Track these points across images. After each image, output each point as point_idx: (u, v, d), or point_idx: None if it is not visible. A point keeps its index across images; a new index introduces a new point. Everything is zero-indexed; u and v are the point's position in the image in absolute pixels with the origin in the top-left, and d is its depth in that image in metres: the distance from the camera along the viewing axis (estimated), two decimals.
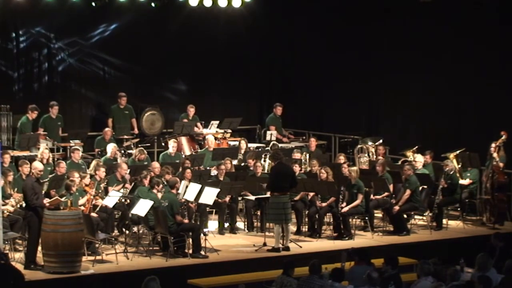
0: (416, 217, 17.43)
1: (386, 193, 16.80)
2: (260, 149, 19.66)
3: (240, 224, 17.17)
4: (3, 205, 14.10)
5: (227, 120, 21.06)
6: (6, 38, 20.52)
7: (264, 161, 18.34)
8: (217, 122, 20.97)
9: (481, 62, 18.82)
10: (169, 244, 14.89)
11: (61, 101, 20.37)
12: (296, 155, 18.40)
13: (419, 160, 17.44)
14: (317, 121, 22.77)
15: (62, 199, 14.30)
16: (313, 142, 19.80)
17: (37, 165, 14.41)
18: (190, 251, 14.93)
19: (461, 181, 17.47)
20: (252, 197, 16.70)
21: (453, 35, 19.38)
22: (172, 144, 18.57)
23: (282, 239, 15.37)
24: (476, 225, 17.51)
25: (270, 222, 15.91)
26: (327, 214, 16.63)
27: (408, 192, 16.53)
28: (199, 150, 19.69)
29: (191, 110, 20.92)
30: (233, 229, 16.78)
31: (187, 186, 15.85)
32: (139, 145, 19.35)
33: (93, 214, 14.98)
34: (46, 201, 14.14)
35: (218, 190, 15.93)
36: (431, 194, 17.13)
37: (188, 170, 16.47)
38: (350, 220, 16.47)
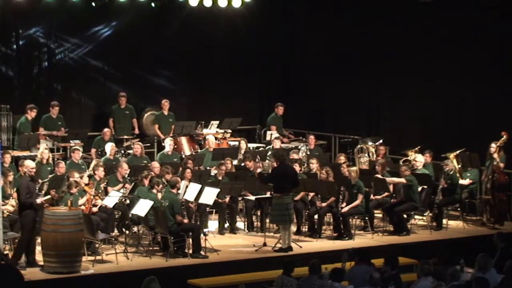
0: (416, 217, 17.43)
1: (386, 193, 16.83)
2: (258, 149, 19.66)
3: (240, 224, 17.17)
4: (3, 205, 14.09)
5: (227, 120, 21.06)
6: (6, 38, 20.50)
7: (264, 160, 18.36)
8: (217, 122, 20.96)
9: (481, 62, 18.81)
10: (169, 244, 14.89)
11: (61, 101, 20.34)
12: (294, 155, 18.39)
13: (419, 160, 17.43)
14: (317, 121, 22.75)
15: (62, 195, 14.33)
16: (312, 140, 19.77)
17: (29, 163, 14.47)
18: (190, 251, 14.92)
19: (461, 181, 17.46)
20: (252, 197, 16.69)
21: (453, 36, 19.37)
22: (168, 143, 18.53)
23: (284, 239, 15.36)
24: (476, 225, 17.51)
25: (274, 223, 15.90)
26: (327, 214, 16.63)
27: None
28: (199, 150, 19.68)
29: (166, 105, 20.79)
30: (233, 229, 16.78)
31: (187, 186, 15.85)
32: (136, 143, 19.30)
33: (94, 209, 15.02)
34: (40, 199, 14.14)
35: (218, 190, 15.92)
36: (431, 194, 17.13)
37: (188, 170, 16.46)
38: (350, 220, 16.48)
